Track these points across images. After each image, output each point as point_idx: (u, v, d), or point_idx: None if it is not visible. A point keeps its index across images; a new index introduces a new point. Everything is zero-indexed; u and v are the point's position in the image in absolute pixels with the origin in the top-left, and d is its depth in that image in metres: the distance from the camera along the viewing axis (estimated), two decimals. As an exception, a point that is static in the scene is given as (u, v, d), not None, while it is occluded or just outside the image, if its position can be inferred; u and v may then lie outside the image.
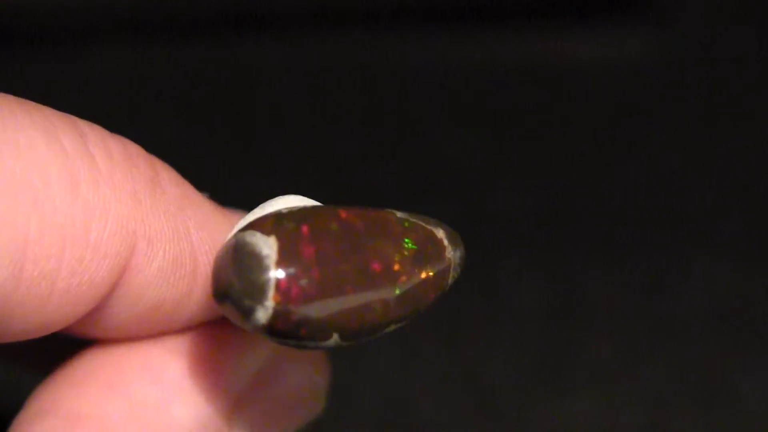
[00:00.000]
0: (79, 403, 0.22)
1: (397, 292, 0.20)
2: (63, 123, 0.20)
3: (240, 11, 0.50)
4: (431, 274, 0.21)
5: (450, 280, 0.21)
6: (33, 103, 0.20)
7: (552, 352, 0.42)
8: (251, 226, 0.19)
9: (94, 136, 0.20)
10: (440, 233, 0.21)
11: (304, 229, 0.19)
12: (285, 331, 0.19)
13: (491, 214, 0.46)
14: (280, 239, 0.19)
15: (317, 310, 0.19)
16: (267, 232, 0.19)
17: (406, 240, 0.20)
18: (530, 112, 0.49)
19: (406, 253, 0.20)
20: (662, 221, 0.46)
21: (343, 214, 0.20)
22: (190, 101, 0.49)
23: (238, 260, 0.19)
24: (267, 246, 0.19)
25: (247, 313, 0.19)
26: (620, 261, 0.44)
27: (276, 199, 0.21)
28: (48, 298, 0.19)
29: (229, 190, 0.46)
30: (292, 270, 0.19)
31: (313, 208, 0.20)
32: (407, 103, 0.50)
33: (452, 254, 0.21)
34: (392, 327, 0.20)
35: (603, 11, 0.51)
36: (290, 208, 0.20)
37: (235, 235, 0.19)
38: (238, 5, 0.50)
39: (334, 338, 0.19)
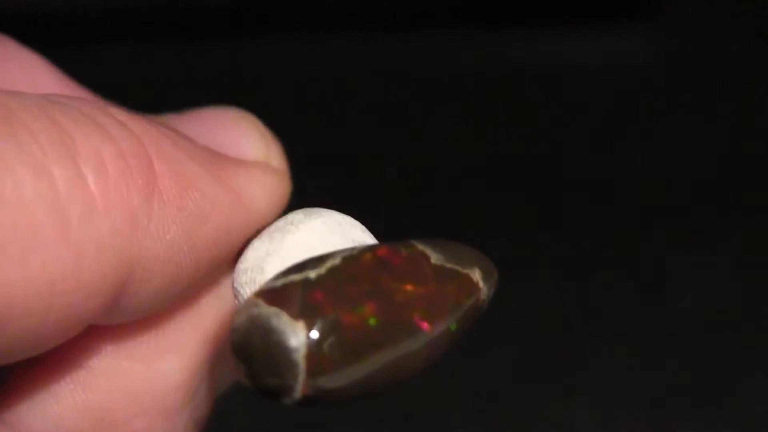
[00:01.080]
0: (63, 352, 0.21)
1: (425, 345, 0.19)
2: (51, 143, 0.18)
3: (242, 13, 0.50)
4: (463, 320, 0.20)
5: (479, 314, 0.20)
6: (18, 112, 0.18)
7: (552, 353, 0.42)
8: (275, 299, 0.18)
9: (86, 148, 0.19)
10: (476, 275, 0.20)
11: (337, 316, 0.18)
12: (311, 406, 0.18)
13: (491, 215, 0.46)
14: (309, 326, 0.18)
15: (345, 390, 0.18)
16: (294, 315, 0.18)
17: (441, 297, 0.19)
18: (531, 113, 0.49)
19: (441, 311, 0.19)
20: (662, 222, 0.46)
21: (380, 277, 0.19)
22: (191, 102, 0.49)
23: (263, 347, 0.18)
24: (295, 336, 0.17)
25: (274, 396, 0.18)
26: (620, 261, 0.44)
27: (294, 218, 0.20)
28: (33, 341, 0.18)
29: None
30: (321, 364, 0.18)
31: (343, 267, 0.18)
32: (408, 104, 0.50)
33: (486, 293, 0.20)
34: None
35: (604, 14, 0.51)
36: (318, 269, 0.18)
37: (259, 306, 0.18)
38: (241, 7, 0.50)
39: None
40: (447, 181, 0.47)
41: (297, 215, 0.20)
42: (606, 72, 0.51)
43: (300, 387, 0.18)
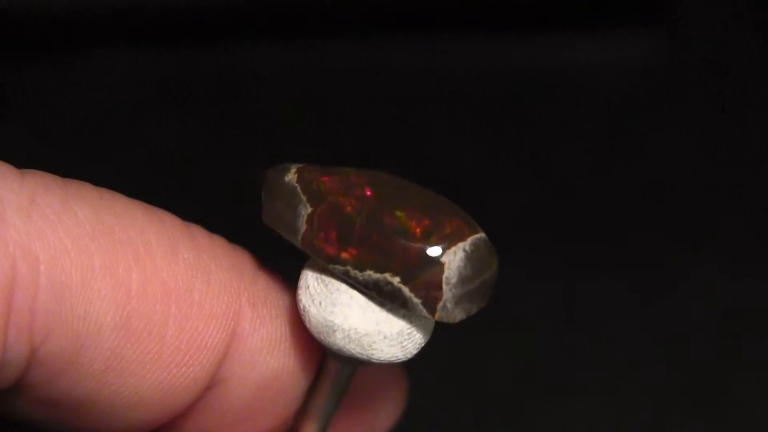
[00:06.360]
0: None
1: None
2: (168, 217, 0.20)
3: (244, 15, 0.51)
4: None
5: None
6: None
7: (552, 354, 0.42)
8: None
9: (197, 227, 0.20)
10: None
11: None
12: None
13: (492, 217, 0.45)
14: None
15: None
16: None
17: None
18: (531, 115, 0.50)
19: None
20: (662, 223, 0.46)
21: None
22: (193, 103, 0.49)
23: None
24: None
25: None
26: (621, 263, 0.44)
27: None
28: (157, 356, 0.19)
29: (230, 189, 0.46)
30: None
31: None
32: (410, 105, 0.50)
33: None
34: None
35: (604, 16, 0.51)
36: None
37: None
38: (243, 9, 0.51)
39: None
40: (447, 181, 0.47)
41: None
42: (608, 75, 0.51)
43: None
